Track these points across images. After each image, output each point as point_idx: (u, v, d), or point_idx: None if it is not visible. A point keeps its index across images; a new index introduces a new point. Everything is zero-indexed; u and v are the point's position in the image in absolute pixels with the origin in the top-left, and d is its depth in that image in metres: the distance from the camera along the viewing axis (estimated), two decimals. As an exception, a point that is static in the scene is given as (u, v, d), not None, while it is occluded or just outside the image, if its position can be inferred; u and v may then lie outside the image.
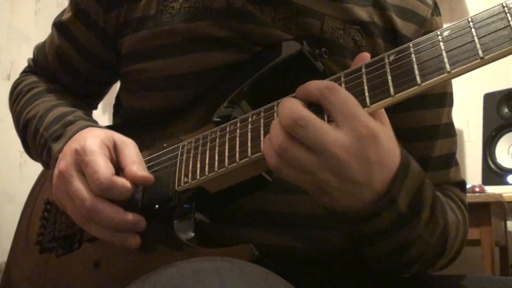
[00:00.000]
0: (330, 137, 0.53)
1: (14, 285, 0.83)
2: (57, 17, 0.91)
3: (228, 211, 0.69)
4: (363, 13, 0.77)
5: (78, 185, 0.65)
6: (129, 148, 0.69)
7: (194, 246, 0.63)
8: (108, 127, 0.83)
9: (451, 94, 0.83)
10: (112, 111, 0.91)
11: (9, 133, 2.51)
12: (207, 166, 0.64)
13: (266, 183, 0.66)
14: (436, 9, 0.84)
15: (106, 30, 0.83)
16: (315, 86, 0.56)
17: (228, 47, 0.74)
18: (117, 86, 0.94)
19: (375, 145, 0.53)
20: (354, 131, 0.53)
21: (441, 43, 0.52)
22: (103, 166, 0.65)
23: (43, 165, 0.83)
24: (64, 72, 0.91)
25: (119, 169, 0.67)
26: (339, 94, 0.54)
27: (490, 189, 1.89)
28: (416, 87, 0.52)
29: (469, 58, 0.50)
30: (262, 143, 0.59)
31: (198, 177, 0.64)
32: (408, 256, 0.63)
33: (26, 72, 0.98)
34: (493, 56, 0.49)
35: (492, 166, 2.14)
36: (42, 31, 2.66)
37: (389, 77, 0.54)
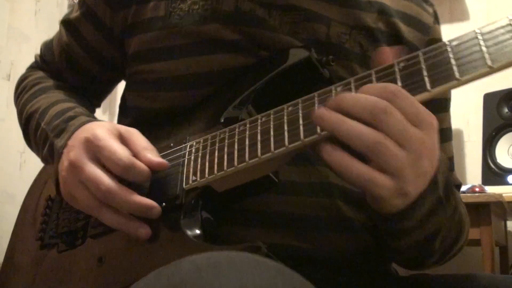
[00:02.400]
0: (412, 130, 0.53)
1: (11, 281, 0.82)
2: (66, 15, 0.93)
3: (233, 211, 0.69)
4: (368, 18, 0.79)
5: (92, 170, 0.65)
6: (136, 136, 0.69)
7: (201, 243, 0.63)
8: None
9: (450, 99, 0.87)
10: (111, 110, 0.92)
11: (9, 133, 2.51)
12: (216, 165, 0.64)
13: (273, 184, 0.66)
14: (436, 18, 0.87)
15: (113, 30, 0.84)
16: (379, 91, 0.54)
17: (237, 51, 0.74)
18: (120, 86, 0.95)
19: (437, 137, 0.55)
20: (427, 128, 0.54)
21: (450, 52, 0.54)
22: (120, 147, 0.65)
23: (42, 160, 0.83)
24: (70, 70, 0.92)
25: None
26: (407, 98, 0.53)
27: (490, 189, 1.89)
28: (426, 93, 0.54)
29: (478, 67, 0.52)
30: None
31: (206, 175, 0.65)
32: (434, 245, 0.65)
33: (32, 67, 0.99)
34: (502, 66, 0.52)
35: (492, 166, 2.14)
36: (42, 31, 2.65)
37: (399, 83, 0.55)
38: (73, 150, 0.68)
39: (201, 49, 0.75)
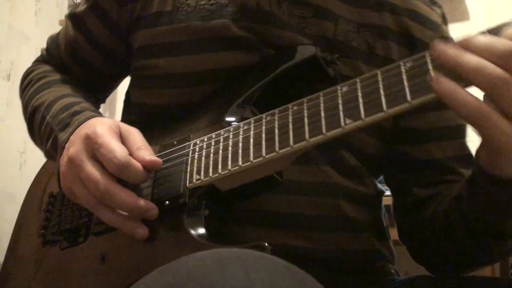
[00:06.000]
0: None
1: (12, 276, 0.82)
2: (72, 9, 0.93)
3: (236, 210, 0.69)
4: (377, 17, 0.79)
5: (90, 169, 0.65)
6: (134, 135, 0.68)
7: (205, 242, 0.62)
8: None
9: None
10: (111, 110, 0.91)
11: (9, 133, 2.51)
12: (220, 164, 0.64)
13: (277, 183, 0.66)
14: (444, 19, 0.87)
15: (120, 24, 0.84)
16: (503, 47, 0.49)
17: (242, 48, 0.74)
18: (119, 86, 0.94)
19: None
20: None
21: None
22: (118, 145, 0.65)
23: (45, 154, 0.83)
24: (76, 64, 0.91)
25: None
26: None
27: (490, 189, 1.88)
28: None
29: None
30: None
31: (210, 174, 0.64)
32: None
33: (38, 61, 0.99)
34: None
35: (492, 166, 2.14)
36: (42, 31, 2.66)
37: (406, 84, 0.54)
38: (73, 146, 0.68)
39: (207, 46, 0.75)
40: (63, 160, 0.69)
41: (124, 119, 0.88)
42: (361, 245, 0.74)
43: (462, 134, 0.81)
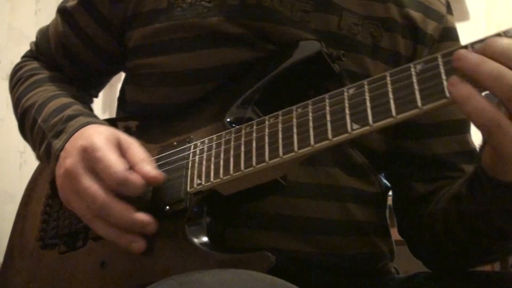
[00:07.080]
0: None
1: (10, 278, 0.81)
2: (62, 2, 0.89)
3: (239, 213, 0.68)
4: (382, 9, 0.77)
5: (87, 182, 0.64)
6: (134, 146, 0.67)
7: (207, 250, 0.61)
8: (113, 120, 0.81)
9: None
10: (111, 111, 0.90)
11: (9, 133, 2.51)
12: (221, 169, 0.62)
13: (281, 187, 0.64)
14: (449, 8, 0.85)
15: (112, 21, 0.81)
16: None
17: (242, 45, 0.72)
18: (117, 79, 0.93)
19: None
20: None
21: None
22: (116, 161, 0.63)
23: (37, 158, 0.81)
24: (67, 60, 0.89)
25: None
26: None
27: (490, 189, 1.87)
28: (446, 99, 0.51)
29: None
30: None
31: (212, 179, 0.63)
32: None
33: (27, 56, 0.96)
34: None
35: (492, 166, 2.13)
36: (42, 31, 2.65)
37: (416, 88, 0.52)
38: (69, 158, 0.67)
39: (204, 43, 0.73)
40: (59, 171, 0.68)
41: (119, 115, 0.87)
42: (367, 249, 0.73)
43: (464, 129, 0.80)
